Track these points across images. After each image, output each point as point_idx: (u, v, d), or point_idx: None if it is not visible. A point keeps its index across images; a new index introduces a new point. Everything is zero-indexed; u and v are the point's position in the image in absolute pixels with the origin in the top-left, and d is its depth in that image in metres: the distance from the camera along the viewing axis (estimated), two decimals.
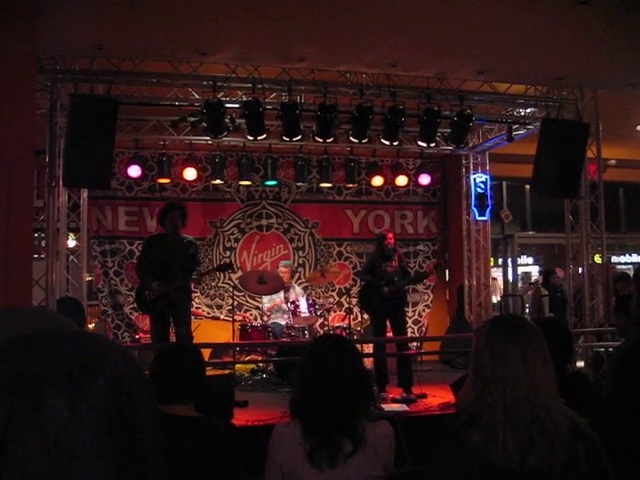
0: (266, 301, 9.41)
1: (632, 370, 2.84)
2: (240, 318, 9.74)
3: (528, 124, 9.42)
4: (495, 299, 12.33)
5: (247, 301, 10.57)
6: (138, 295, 7.18)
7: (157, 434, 0.82)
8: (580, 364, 8.33)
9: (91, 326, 9.65)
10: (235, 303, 9.34)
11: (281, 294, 9.26)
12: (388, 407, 6.79)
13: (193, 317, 7.89)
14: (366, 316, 8.74)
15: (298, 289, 9.67)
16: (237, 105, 8.06)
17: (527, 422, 1.99)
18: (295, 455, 2.53)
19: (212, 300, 10.50)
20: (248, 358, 8.87)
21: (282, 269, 9.47)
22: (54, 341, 0.78)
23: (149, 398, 0.82)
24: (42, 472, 0.69)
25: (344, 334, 8.37)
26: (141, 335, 9.48)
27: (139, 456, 0.78)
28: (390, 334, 7.86)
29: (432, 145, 8.97)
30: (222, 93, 7.94)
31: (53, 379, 0.73)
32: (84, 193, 9.23)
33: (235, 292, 9.70)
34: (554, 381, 2.09)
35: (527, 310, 11.91)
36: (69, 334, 0.83)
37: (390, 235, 7.80)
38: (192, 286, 7.80)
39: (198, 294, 10.24)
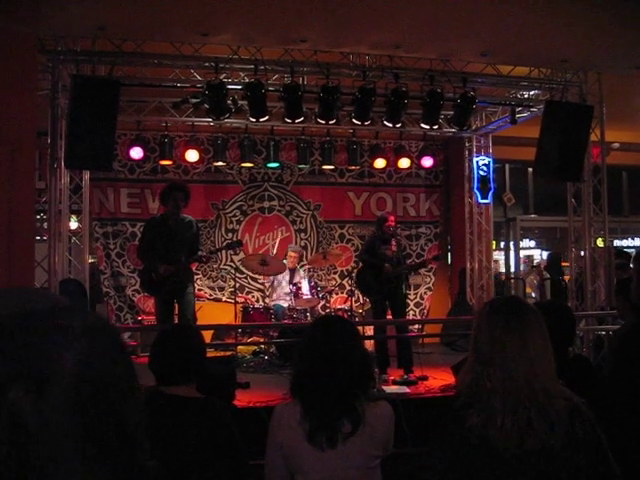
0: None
1: (630, 352, 2.86)
2: (242, 300, 9.78)
3: (531, 107, 9.37)
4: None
5: (249, 283, 10.59)
6: (143, 277, 7.19)
7: (138, 412, 0.80)
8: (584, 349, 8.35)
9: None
10: (237, 285, 9.36)
11: (287, 277, 9.27)
12: (389, 389, 6.82)
13: (196, 299, 7.92)
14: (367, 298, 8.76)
15: (302, 271, 9.69)
16: (239, 86, 8.03)
17: (526, 405, 2.00)
18: (295, 435, 2.55)
19: (214, 282, 10.52)
20: (250, 340, 8.91)
21: (291, 253, 9.48)
22: (12, 328, 0.75)
23: (127, 379, 0.80)
24: (8, 467, 0.69)
25: (346, 316, 8.39)
26: (143, 317, 9.52)
27: (121, 439, 0.76)
28: (390, 317, 7.87)
29: (435, 127, 8.92)
30: (224, 74, 7.90)
31: (14, 373, 0.71)
32: (86, 175, 9.22)
33: (237, 274, 9.73)
34: (553, 363, 2.10)
35: (533, 294, 11.95)
36: (28, 318, 0.78)
37: (392, 218, 7.79)
38: (194, 268, 7.81)
39: (200, 276, 10.26)
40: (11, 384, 0.71)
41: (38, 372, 0.72)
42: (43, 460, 0.70)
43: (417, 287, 11.26)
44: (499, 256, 13.29)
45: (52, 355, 0.74)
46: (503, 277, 12.52)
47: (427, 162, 10.72)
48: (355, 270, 8.45)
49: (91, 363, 0.76)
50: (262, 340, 8.86)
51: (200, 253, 7.16)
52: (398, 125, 8.68)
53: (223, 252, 10.36)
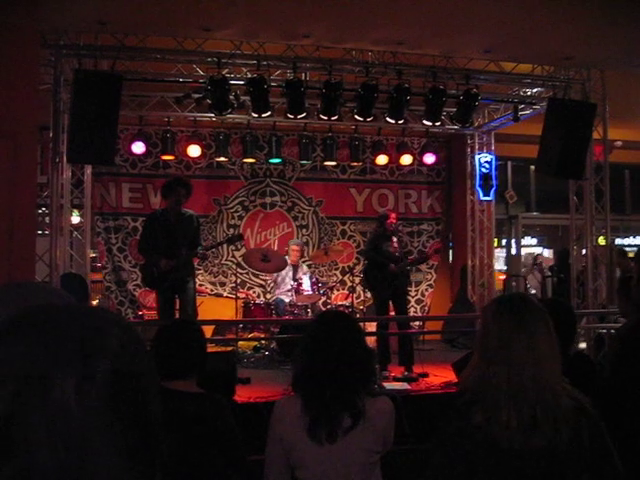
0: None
1: (631, 352, 2.85)
2: (243, 295, 9.78)
3: (534, 104, 9.36)
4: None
5: (250, 279, 10.59)
6: (144, 271, 7.19)
7: (160, 409, 0.82)
8: (582, 345, 8.35)
9: (94, 302, 9.68)
10: (238, 280, 9.36)
11: (290, 272, 9.27)
12: (390, 385, 6.83)
13: (197, 294, 7.92)
14: (369, 295, 8.76)
15: (304, 267, 9.69)
16: (242, 82, 8.02)
17: (531, 403, 2.00)
18: (295, 429, 2.55)
19: (215, 277, 10.53)
20: (251, 335, 8.92)
21: (293, 247, 9.46)
22: (56, 319, 0.77)
23: (152, 373, 0.82)
24: (49, 456, 0.69)
25: (347, 312, 8.38)
26: (144, 312, 9.52)
27: (148, 432, 0.78)
28: (392, 313, 7.87)
29: (437, 124, 8.90)
30: (227, 70, 7.89)
31: (58, 361, 0.72)
32: (88, 169, 9.22)
33: (238, 269, 9.73)
34: (559, 362, 2.09)
35: (534, 291, 11.94)
36: (70, 310, 0.81)
37: (393, 215, 7.80)
38: (196, 263, 7.81)
39: (202, 271, 10.26)
40: (58, 372, 0.71)
41: (85, 357, 0.73)
42: (82, 448, 0.70)
43: (418, 284, 11.26)
44: (501, 253, 13.29)
45: (97, 339, 0.76)
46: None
47: (429, 159, 10.73)
48: (357, 266, 8.46)
49: (128, 350, 0.78)
50: (263, 336, 8.86)
51: (199, 249, 7.15)
52: (400, 122, 8.66)
53: (225, 247, 10.37)
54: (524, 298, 2.30)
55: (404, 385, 6.89)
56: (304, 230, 10.99)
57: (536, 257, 13.19)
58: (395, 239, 7.69)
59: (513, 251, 13.01)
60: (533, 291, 11.97)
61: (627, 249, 12.33)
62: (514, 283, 12.09)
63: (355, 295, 8.54)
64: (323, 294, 9.36)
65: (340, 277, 10.39)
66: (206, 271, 10.44)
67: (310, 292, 9.00)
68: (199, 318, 7.31)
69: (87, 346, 0.75)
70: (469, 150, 11.16)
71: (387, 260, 7.56)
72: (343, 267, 10.69)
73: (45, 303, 0.83)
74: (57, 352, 0.73)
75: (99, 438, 0.71)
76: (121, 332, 0.79)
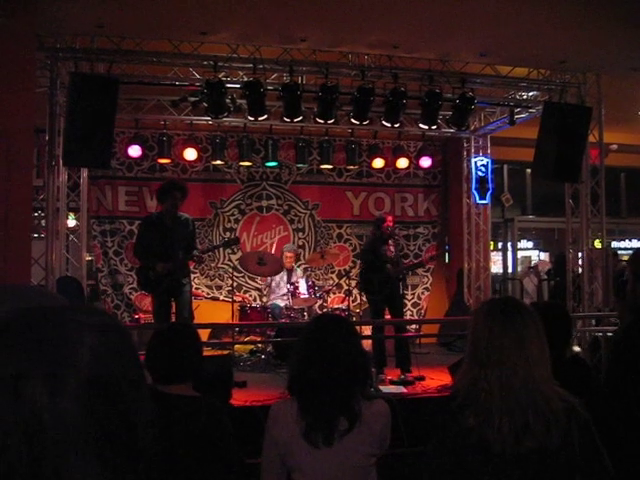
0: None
1: (626, 355, 2.86)
2: (239, 299, 9.77)
3: (530, 107, 9.38)
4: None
5: (247, 282, 10.59)
6: (140, 275, 7.17)
7: (147, 411, 0.82)
8: (576, 348, 8.35)
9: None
10: (235, 284, 9.36)
11: (284, 277, 9.26)
12: (386, 389, 6.83)
13: (193, 297, 7.91)
14: (365, 298, 8.76)
15: (299, 271, 9.69)
16: (238, 85, 8.02)
17: (523, 406, 2.00)
18: (291, 432, 2.55)
19: (212, 281, 10.52)
20: (247, 339, 8.91)
21: (287, 254, 9.45)
22: (32, 325, 0.77)
23: (135, 379, 0.81)
24: (22, 457, 0.69)
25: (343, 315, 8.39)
26: (140, 315, 9.51)
27: (130, 439, 0.77)
28: (388, 317, 7.88)
29: (433, 128, 8.92)
30: (223, 73, 7.90)
31: (31, 367, 0.72)
32: (84, 172, 9.22)
33: (235, 273, 9.72)
34: (549, 364, 2.10)
35: (529, 293, 11.95)
36: (47, 315, 0.81)
37: (390, 218, 7.80)
38: (192, 266, 7.80)
39: (198, 275, 10.26)
40: (29, 378, 0.72)
41: (55, 366, 0.73)
42: (56, 453, 0.71)
43: (415, 287, 11.26)
44: (497, 257, 13.30)
45: (69, 350, 0.76)
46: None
47: (425, 162, 10.75)
48: (354, 270, 8.46)
49: (104, 359, 0.77)
50: (259, 339, 8.85)
51: (195, 252, 7.14)
52: (397, 125, 8.67)
53: (221, 251, 10.37)
54: (514, 301, 2.30)
55: (400, 388, 6.89)
56: (300, 233, 10.99)
57: (536, 266, 13.20)
58: (392, 242, 7.70)
59: (509, 254, 13.03)
60: (529, 291, 11.99)
61: (622, 252, 12.37)
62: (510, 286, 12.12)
63: (351, 298, 8.54)
64: (319, 297, 9.36)
65: (336, 280, 10.39)
66: (202, 274, 10.43)
67: (306, 295, 9.00)
68: (195, 322, 7.30)
69: (58, 355, 0.74)
70: (465, 153, 11.18)
71: (384, 263, 7.58)
72: (339, 270, 10.69)
73: (31, 306, 0.82)
74: (30, 358, 0.73)
75: (73, 441, 0.72)
76: (96, 340, 0.78)
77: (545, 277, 12.20)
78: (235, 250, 10.50)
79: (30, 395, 0.71)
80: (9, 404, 0.70)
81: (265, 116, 8.27)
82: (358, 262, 9.75)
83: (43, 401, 0.71)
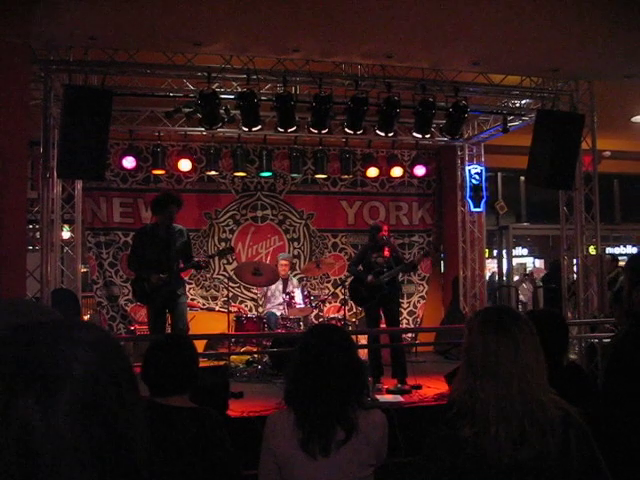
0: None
1: (622, 361, 2.86)
2: (235, 309, 9.76)
3: (523, 115, 9.41)
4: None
5: (242, 292, 10.58)
6: (135, 286, 7.16)
7: (142, 426, 0.81)
8: (572, 356, 8.36)
9: (86, 317, 9.64)
10: (230, 294, 9.35)
11: (280, 286, 9.26)
12: (382, 398, 6.81)
13: (188, 308, 7.89)
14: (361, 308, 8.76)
15: (295, 280, 9.69)
16: (232, 96, 8.04)
17: (519, 416, 2.00)
18: (289, 443, 2.54)
19: (207, 291, 10.50)
20: (243, 349, 8.88)
21: (282, 262, 9.46)
22: (24, 342, 0.77)
23: (129, 391, 0.81)
24: (13, 475, 0.68)
25: (339, 325, 8.38)
26: (136, 326, 9.48)
27: (124, 449, 0.77)
28: (384, 325, 7.87)
29: (427, 136, 8.94)
30: (217, 84, 7.91)
31: (22, 384, 0.72)
32: (78, 184, 9.20)
33: (230, 283, 9.71)
34: (545, 373, 2.09)
35: (523, 299, 11.97)
36: (40, 331, 0.80)
37: (385, 228, 7.80)
38: (188, 277, 7.79)
39: (193, 285, 10.25)
40: (21, 392, 0.71)
41: (48, 381, 0.73)
42: (48, 468, 0.70)
43: (410, 296, 11.26)
44: (492, 264, 13.32)
45: (62, 365, 0.75)
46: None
47: (420, 171, 10.77)
48: (349, 279, 8.45)
49: (98, 375, 0.77)
50: (255, 350, 8.83)
51: (196, 259, 7.16)
52: (390, 134, 8.70)
53: (216, 262, 10.36)
54: (508, 310, 2.28)
55: (397, 397, 6.88)
56: (295, 243, 10.99)
57: (531, 273, 13.24)
58: (387, 248, 7.66)
59: (504, 262, 13.05)
60: (523, 298, 12.01)
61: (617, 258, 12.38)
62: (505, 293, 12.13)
63: (347, 308, 8.53)
64: (315, 307, 9.35)
65: (332, 290, 10.39)
66: (198, 285, 10.42)
67: (302, 305, 8.99)
68: (191, 332, 7.28)
69: (51, 372, 0.74)
70: (459, 162, 11.21)
71: (367, 273, 7.56)
72: (335, 280, 10.68)
73: (25, 321, 0.82)
74: (21, 374, 0.72)
75: (66, 459, 0.71)
76: (90, 356, 0.78)
77: (540, 284, 12.23)
78: (230, 260, 10.49)
79: (21, 414, 0.70)
80: (0, 422, 0.70)
81: (259, 126, 8.28)
82: None
83: (35, 420, 0.70)
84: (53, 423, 0.71)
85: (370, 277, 7.50)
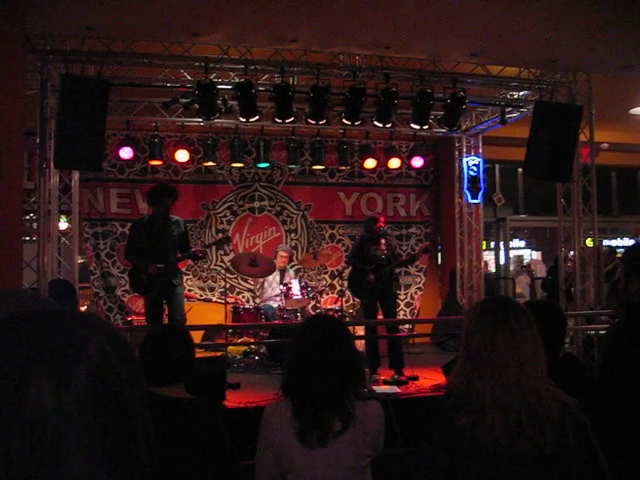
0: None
1: (618, 352, 2.86)
2: (232, 300, 9.76)
3: (521, 107, 9.40)
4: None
5: (239, 283, 10.57)
6: (132, 277, 7.15)
7: (146, 414, 0.82)
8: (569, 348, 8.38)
9: (83, 308, 9.64)
10: (227, 285, 9.34)
11: (277, 277, 9.26)
12: (379, 389, 6.83)
13: (186, 299, 7.89)
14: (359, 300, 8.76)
15: (291, 271, 9.69)
16: (229, 86, 8.01)
17: (516, 406, 2.00)
18: (286, 434, 2.55)
19: (204, 282, 10.50)
20: (240, 340, 8.90)
21: (281, 253, 9.45)
22: (37, 324, 0.78)
23: (137, 379, 0.82)
24: (24, 457, 0.69)
25: (336, 316, 8.38)
26: (133, 317, 9.48)
27: (130, 437, 0.78)
28: (381, 317, 7.88)
29: (425, 128, 8.92)
30: (214, 74, 7.89)
31: (36, 365, 0.72)
32: (75, 175, 9.18)
33: (227, 274, 9.71)
34: (544, 364, 2.09)
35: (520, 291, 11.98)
36: (53, 315, 0.82)
37: (382, 219, 7.79)
38: (185, 267, 7.79)
39: (190, 276, 10.24)
40: (36, 370, 0.72)
41: (62, 361, 0.74)
42: (60, 451, 0.71)
43: (407, 287, 11.27)
44: (489, 256, 13.33)
45: (77, 346, 0.76)
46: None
47: (417, 162, 10.76)
48: (346, 270, 8.45)
49: (110, 357, 0.78)
50: (252, 340, 8.85)
51: (193, 249, 7.15)
52: (388, 125, 8.67)
53: (213, 253, 10.35)
54: (507, 301, 2.28)
55: (394, 388, 6.89)
56: (293, 234, 10.99)
57: (528, 265, 13.23)
58: (384, 241, 7.67)
59: (501, 254, 13.06)
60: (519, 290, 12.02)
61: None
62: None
63: (344, 299, 8.54)
64: (312, 298, 9.36)
65: (329, 281, 10.39)
66: (195, 276, 10.41)
67: (299, 296, 8.99)
68: (188, 323, 7.29)
69: (65, 351, 0.75)
70: (457, 153, 11.20)
71: (369, 266, 7.56)
72: (332, 271, 10.69)
73: (30, 310, 0.83)
74: (35, 355, 0.73)
75: (76, 441, 0.72)
76: (103, 339, 0.79)
77: (537, 276, 12.22)
78: (227, 251, 10.49)
79: (35, 392, 0.71)
80: (13, 404, 0.70)
81: (257, 117, 8.25)
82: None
83: (49, 398, 0.71)
84: (67, 405, 0.72)
85: (372, 277, 7.50)
